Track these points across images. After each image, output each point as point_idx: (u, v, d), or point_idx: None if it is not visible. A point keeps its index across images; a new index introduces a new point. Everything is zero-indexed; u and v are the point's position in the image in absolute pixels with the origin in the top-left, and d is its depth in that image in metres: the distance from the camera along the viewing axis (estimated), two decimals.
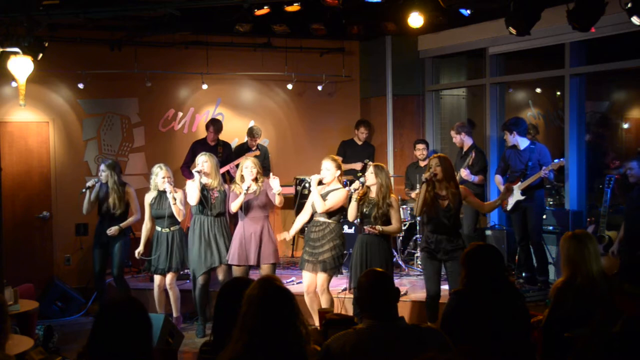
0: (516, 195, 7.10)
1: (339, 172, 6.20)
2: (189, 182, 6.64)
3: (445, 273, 6.05)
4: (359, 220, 6.11)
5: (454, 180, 5.92)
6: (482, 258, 3.80)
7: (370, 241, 5.96)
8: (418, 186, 8.13)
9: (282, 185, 8.44)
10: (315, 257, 6.08)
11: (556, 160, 6.95)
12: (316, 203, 6.11)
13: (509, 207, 7.20)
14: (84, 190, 7.00)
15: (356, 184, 5.99)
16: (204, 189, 6.58)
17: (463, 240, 5.97)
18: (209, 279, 6.66)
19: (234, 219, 6.87)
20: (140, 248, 6.88)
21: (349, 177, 8.56)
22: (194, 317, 7.16)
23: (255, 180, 6.39)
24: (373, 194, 5.97)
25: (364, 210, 5.98)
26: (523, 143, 7.17)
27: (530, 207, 7.08)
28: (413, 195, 8.21)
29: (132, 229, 7.29)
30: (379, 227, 5.85)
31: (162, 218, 6.79)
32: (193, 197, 6.53)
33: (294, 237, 9.15)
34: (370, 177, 5.96)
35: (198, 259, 6.59)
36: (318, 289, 6.13)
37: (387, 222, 5.95)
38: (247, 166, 6.37)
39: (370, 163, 8.75)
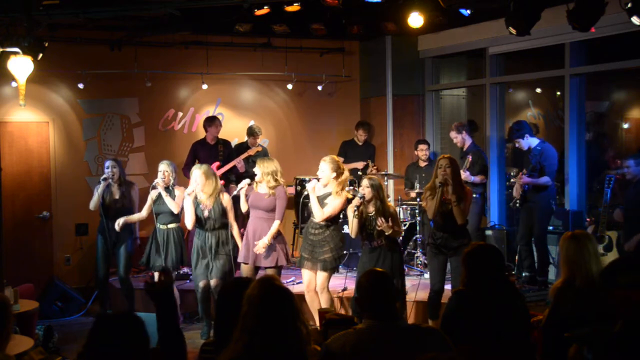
0: (518, 190, 7.16)
1: (334, 174, 6.00)
2: (185, 201, 6.53)
3: (450, 270, 6.09)
4: (361, 236, 6.00)
5: (459, 180, 5.96)
6: (482, 258, 3.81)
7: (375, 257, 5.86)
8: (417, 186, 8.20)
9: None
10: (314, 256, 6.07)
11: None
12: (315, 211, 6.04)
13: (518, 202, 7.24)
14: (101, 180, 6.94)
15: (356, 201, 5.80)
16: (197, 206, 6.51)
17: (470, 237, 6.02)
18: (208, 284, 6.60)
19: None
20: (121, 220, 6.85)
21: (349, 178, 8.54)
22: (193, 317, 7.17)
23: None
24: (371, 208, 5.88)
25: (368, 228, 5.88)
26: (533, 143, 7.18)
27: (535, 208, 7.10)
28: (413, 194, 8.22)
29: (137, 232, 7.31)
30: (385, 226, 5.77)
31: (163, 214, 6.79)
32: (189, 221, 6.49)
33: (294, 237, 9.17)
34: (366, 192, 5.83)
35: (196, 269, 6.58)
36: (318, 287, 6.12)
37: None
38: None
39: (370, 164, 8.80)
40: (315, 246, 6.08)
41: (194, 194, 6.47)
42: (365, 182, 5.90)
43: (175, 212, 6.74)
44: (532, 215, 7.15)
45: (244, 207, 6.45)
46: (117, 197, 6.98)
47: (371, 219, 5.84)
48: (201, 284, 6.56)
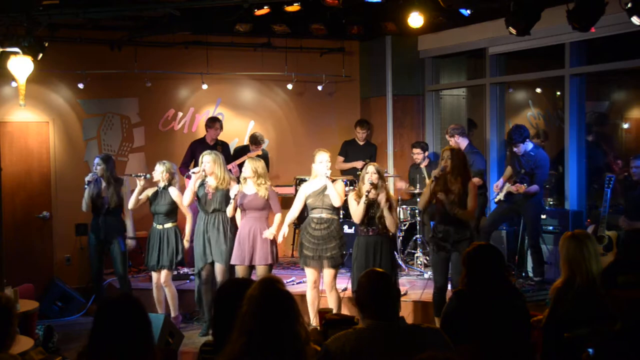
0: (501, 195, 7.21)
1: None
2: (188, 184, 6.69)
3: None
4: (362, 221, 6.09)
5: (463, 173, 5.94)
6: (482, 258, 3.81)
7: (374, 242, 5.98)
8: (418, 186, 8.20)
9: (282, 185, 8.49)
10: (319, 254, 6.11)
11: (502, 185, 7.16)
12: (335, 198, 6.12)
13: (495, 199, 7.27)
14: (86, 186, 6.98)
15: (367, 186, 5.95)
16: (201, 186, 6.63)
17: (471, 232, 6.02)
18: (211, 275, 6.63)
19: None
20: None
21: (349, 177, 8.56)
22: (194, 317, 7.16)
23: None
24: (379, 195, 5.98)
25: (370, 212, 5.98)
26: (528, 148, 7.16)
27: (525, 211, 7.09)
28: (410, 188, 8.25)
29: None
30: None
31: (158, 215, 6.82)
32: (186, 198, 6.69)
33: (294, 237, 9.18)
34: (374, 178, 5.96)
35: (198, 254, 6.62)
36: (326, 285, 6.16)
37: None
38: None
39: (371, 164, 8.79)
40: (320, 242, 6.12)
41: (200, 174, 6.58)
42: (371, 168, 6.03)
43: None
44: (525, 219, 7.17)
45: (230, 212, 6.50)
46: (104, 194, 6.94)
47: (372, 202, 5.94)
48: (203, 274, 6.61)
